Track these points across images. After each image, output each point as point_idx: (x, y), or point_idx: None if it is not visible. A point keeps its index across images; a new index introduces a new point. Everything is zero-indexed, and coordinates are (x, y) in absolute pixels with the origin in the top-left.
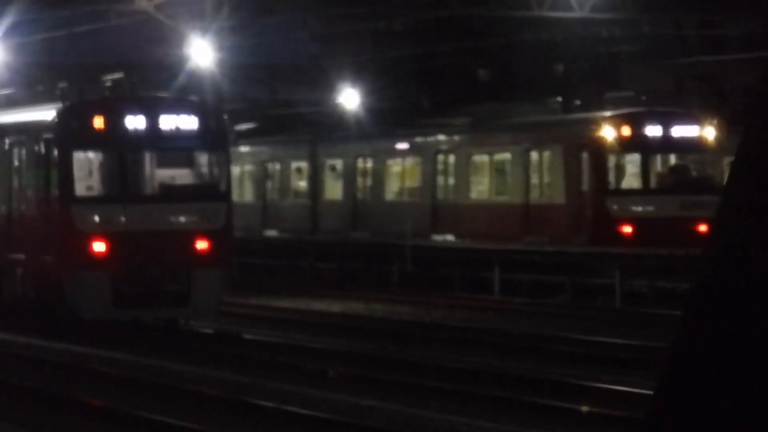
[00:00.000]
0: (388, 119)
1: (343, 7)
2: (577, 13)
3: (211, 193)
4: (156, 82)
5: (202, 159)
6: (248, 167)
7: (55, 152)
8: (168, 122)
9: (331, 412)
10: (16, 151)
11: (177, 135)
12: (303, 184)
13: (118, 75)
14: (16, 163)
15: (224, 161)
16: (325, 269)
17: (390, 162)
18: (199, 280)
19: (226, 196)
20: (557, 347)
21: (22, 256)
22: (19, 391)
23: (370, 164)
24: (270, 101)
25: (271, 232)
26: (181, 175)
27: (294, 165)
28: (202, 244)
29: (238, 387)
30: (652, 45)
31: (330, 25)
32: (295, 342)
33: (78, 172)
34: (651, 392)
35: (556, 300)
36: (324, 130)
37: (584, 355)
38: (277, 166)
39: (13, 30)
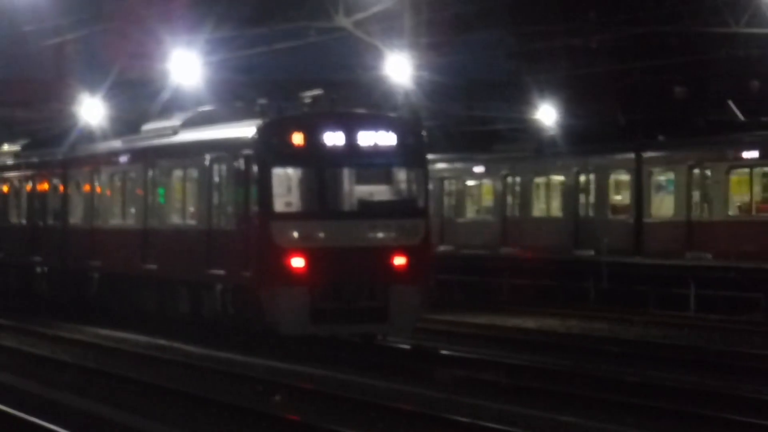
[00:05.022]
0: (607, 135)
1: (540, 25)
2: None
3: (409, 209)
4: (354, 98)
5: (401, 175)
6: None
7: (255, 168)
8: (367, 138)
9: (527, 428)
10: (215, 167)
11: (376, 151)
12: (511, 200)
13: (317, 91)
14: (215, 179)
15: (422, 177)
16: (519, 285)
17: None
18: (398, 296)
19: (424, 212)
20: (751, 364)
21: (221, 272)
22: (216, 406)
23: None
24: (466, 118)
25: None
26: (380, 191)
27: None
28: (400, 261)
29: (432, 402)
30: None
31: (526, 42)
32: (491, 358)
33: (277, 188)
34: None
35: (752, 317)
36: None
37: None
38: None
39: (213, 47)
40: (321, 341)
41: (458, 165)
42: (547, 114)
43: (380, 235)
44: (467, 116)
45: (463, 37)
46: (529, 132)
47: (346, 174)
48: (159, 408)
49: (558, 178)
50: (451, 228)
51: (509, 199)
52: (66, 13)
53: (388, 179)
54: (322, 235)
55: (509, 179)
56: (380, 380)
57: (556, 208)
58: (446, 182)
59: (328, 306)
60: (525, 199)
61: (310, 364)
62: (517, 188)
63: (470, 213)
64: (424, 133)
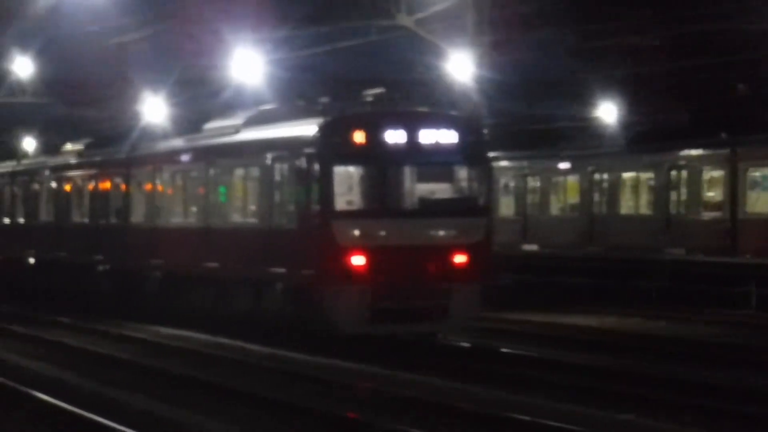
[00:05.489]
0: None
1: (599, 23)
2: None
3: (470, 207)
4: (415, 96)
5: (462, 173)
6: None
7: (316, 167)
8: (428, 136)
9: (585, 426)
10: (277, 165)
11: (437, 149)
12: (598, 197)
13: (378, 90)
14: (276, 177)
15: (484, 176)
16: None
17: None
18: (458, 294)
19: (485, 210)
20: None
21: (282, 270)
22: (275, 405)
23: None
24: (527, 116)
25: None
26: (441, 190)
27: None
28: (461, 259)
29: (491, 401)
30: None
31: (586, 40)
32: (549, 356)
33: (338, 186)
34: None
35: None
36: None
37: None
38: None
39: (275, 46)
40: (381, 340)
41: (542, 161)
42: (607, 112)
43: (441, 233)
44: (528, 114)
45: (523, 36)
46: (593, 128)
47: (407, 172)
48: (218, 406)
49: (647, 175)
50: (534, 226)
51: (596, 196)
52: (129, 13)
53: (449, 177)
54: (383, 233)
55: (596, 176)
56: (440, 379)
57: (645, 206)
58: (529, 179)
59: (388, 305)
60: (612, 196)
61: (370, 362)
62: (605, 185)
63: (555, 210)
64: (485, 130)
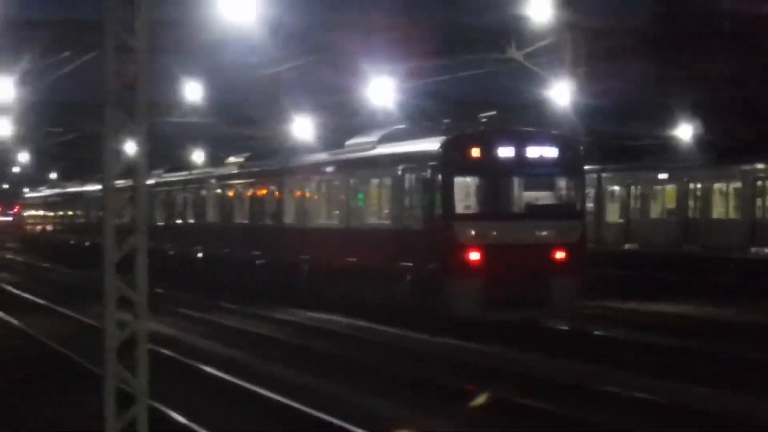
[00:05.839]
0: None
1: (676, 54)
2: None
3: (568, 212)
4: (522, 118)
5: (561, 183)
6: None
7: (439, 177)
8: (533, 152)
9: (665, 397)
10: (406, 176)
11: (540, 162)
12: (692, 203)
13: (491, 112)
14: (406, 186)
15: (580, 185)
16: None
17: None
18: (557, 286)
19: (581, 214)
20: None
21: (410, 264)
22: (402, 378)
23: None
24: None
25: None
26: (543, 197)
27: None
28: (560, 255)
29: (585, 376)
30: None
31: (666, 70)
32: (634, 339)
33: (458, 193)
34: None
35: None
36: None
37: None
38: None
39: (405, 75)
40: (492, 323)
41: (643, 173)
42: (684, 131)
43: (543, 233)
44: (617, 133)
45: (613, 67)
46: (685, 144)
47: (516, 182)
48: (356, 378)
49: (735, 184)
50: (636, 228)
51: (690, 202)
52: (282, 48)
53: (550, 186)
54: (495, 233)
55: (691, 185)
56: (541, 357)
57: (733, 211)
58: (632, 188)
59: (499, 293)
60: (705, 202)
61: (483, 342)
62: (698, 193)
63: (654, 215)
64: (580, 147)
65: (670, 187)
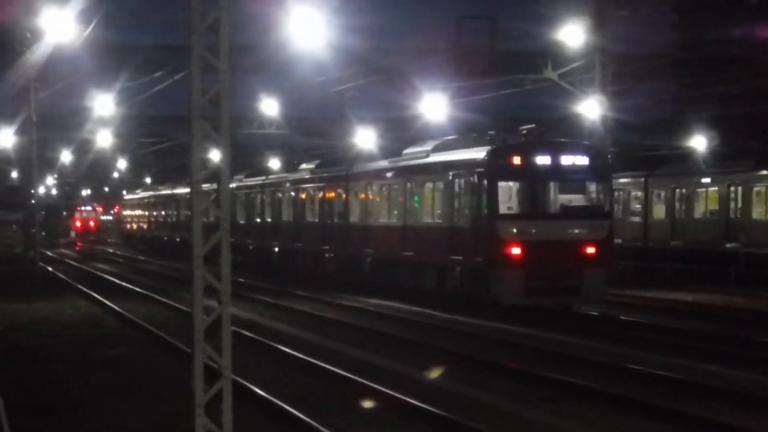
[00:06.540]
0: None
1: (692, 75)
2: None
3: (598, 212)
4: (558, 130)
5: (592, 187)
6: None
7: (485, 182)
8: (566, 160)
9: (683, 374)
10: (456, 181)
11: (573, 169)
12: (733, 205)
13: (530, 125)
14: (456, 189)
15: (608, 189)
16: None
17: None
18: (588, 277)
19: (609, 215)
20: None
21: (460, 257)
22: (456, 356)
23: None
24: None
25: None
26: (576, 199)
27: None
28: (590, 250)
29: (612, 355)
30: None
31: (685, 89)
32: (656, 323)
33: (501, 196)
34: None
35: None
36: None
37: None
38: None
39: (455, 92)
40: (532, 309)
41: (688, 177)
42: (699, 142)
43: (576, 231)
44: (640, 144)
45: (637, 86)
46: (727, 153)
47: (552, 186)
48: (415, 359)
49: None
50: (680, 226)
51: (732, 204)
52: (346, 68)
53: (582, 190)
54: (533, 231)
55: (732, 188)
56: (575, 337)
57: None
58: (677, 190)
59: (537, 283)
60: (745, 204)
61: (524, 325)
62: (739, 195)
63: (697, 215)
64: (608, 156)
65: (713, 190)
